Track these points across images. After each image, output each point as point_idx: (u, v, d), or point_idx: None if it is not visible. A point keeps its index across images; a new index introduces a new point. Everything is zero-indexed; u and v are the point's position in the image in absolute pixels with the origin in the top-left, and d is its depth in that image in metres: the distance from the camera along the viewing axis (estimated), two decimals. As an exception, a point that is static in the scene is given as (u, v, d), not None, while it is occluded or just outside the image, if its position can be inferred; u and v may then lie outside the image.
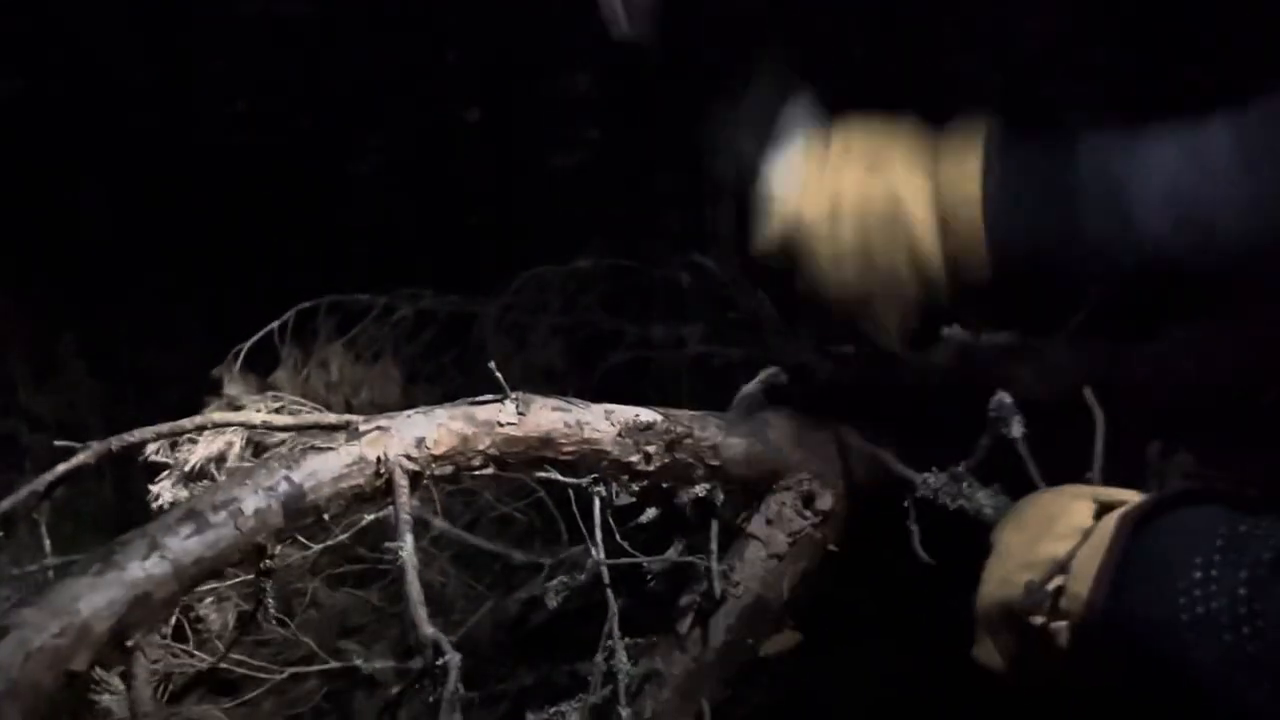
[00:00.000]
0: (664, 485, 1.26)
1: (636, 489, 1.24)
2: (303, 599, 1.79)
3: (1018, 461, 1.13)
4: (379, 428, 1.09)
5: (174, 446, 1.39)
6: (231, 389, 1.87)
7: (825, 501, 1.33)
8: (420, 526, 1.18)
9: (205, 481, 1.39)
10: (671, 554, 1.26)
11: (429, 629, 0.97)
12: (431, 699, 0.94)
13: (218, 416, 1.20)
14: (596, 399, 1.24)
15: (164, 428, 1.15)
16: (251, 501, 1.00)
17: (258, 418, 1.20)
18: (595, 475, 1.21)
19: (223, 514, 0.98)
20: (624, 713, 1.16)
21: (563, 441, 1.18)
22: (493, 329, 2.10)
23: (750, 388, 1.28)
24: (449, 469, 1.12)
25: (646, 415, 1.24)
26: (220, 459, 1.41)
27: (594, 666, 1.18)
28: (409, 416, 1.12)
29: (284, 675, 1.66)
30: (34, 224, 2.62)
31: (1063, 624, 0.87)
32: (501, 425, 1.15)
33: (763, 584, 1.30)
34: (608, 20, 1.18)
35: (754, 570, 1.30)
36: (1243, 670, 0.75)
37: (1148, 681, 0.82)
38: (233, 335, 1.94)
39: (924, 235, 1.06)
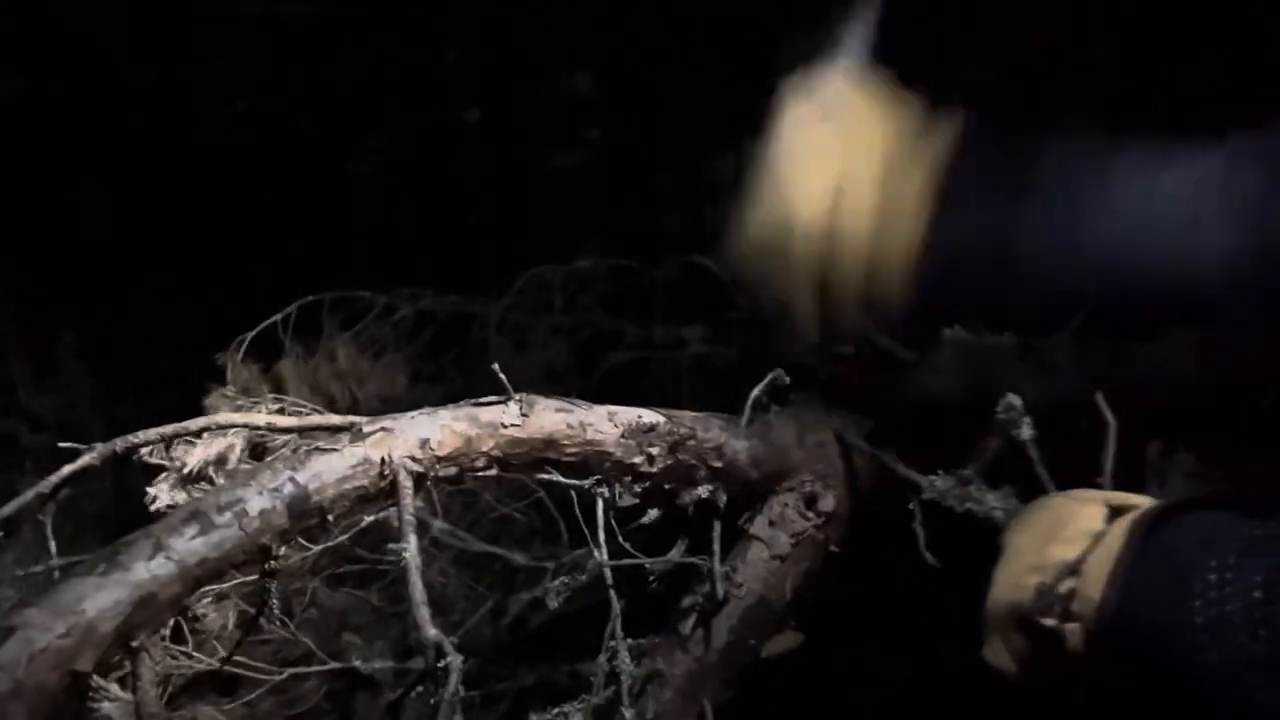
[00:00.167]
0: (667, 486, 1.26)
1: (639, 490, 1.24)
2: (303, 599, 1.79)
3: (1023, 464, 1.13)
4: (383, 429, 1.09)
5: (169, 448, 1.39)
6: (234, 377, 1.86)
7: (828, 503, 1.33)
8: (421, 527, 1.18)
9: (203, 484, 1.39)
10: (674, 555, 1.26)
11: (432, 630, 0.97)
12: (433, 700, 0.94)
13: (222, 418, 1.19)
14: (597, 399, 1.24)
15: (168, 429, 1.15)
16: (256, 502, 1.00)
17: (261, 419, 1.20)
18: (598, 477, 1.21)
19: (227, 515, 0.98)
20: (627, 714, 1.16)
21: (566, 443, 1.18)
22: (493, 329, 2.10)
23: (759, 391, 1.28)
24: (453, 470, 1.12)
25: (649, 416, 1.24)
26: (220, 461, 1.40)
27: (596, 667, 1.18)
28: (413, 418, 1.12)
29: (284, 675, 1.66)
30: (34, 224, 2.62)
31: (1074, 626, 0.87)
32: (505, 426, 1.15)
33: (765, 585, 1.30)
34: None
35: (756, 571, 1.30)
36: (1253, 672, 0.75)
37: (1158, 684, 0.82)
38: (233, 335, 1.94)
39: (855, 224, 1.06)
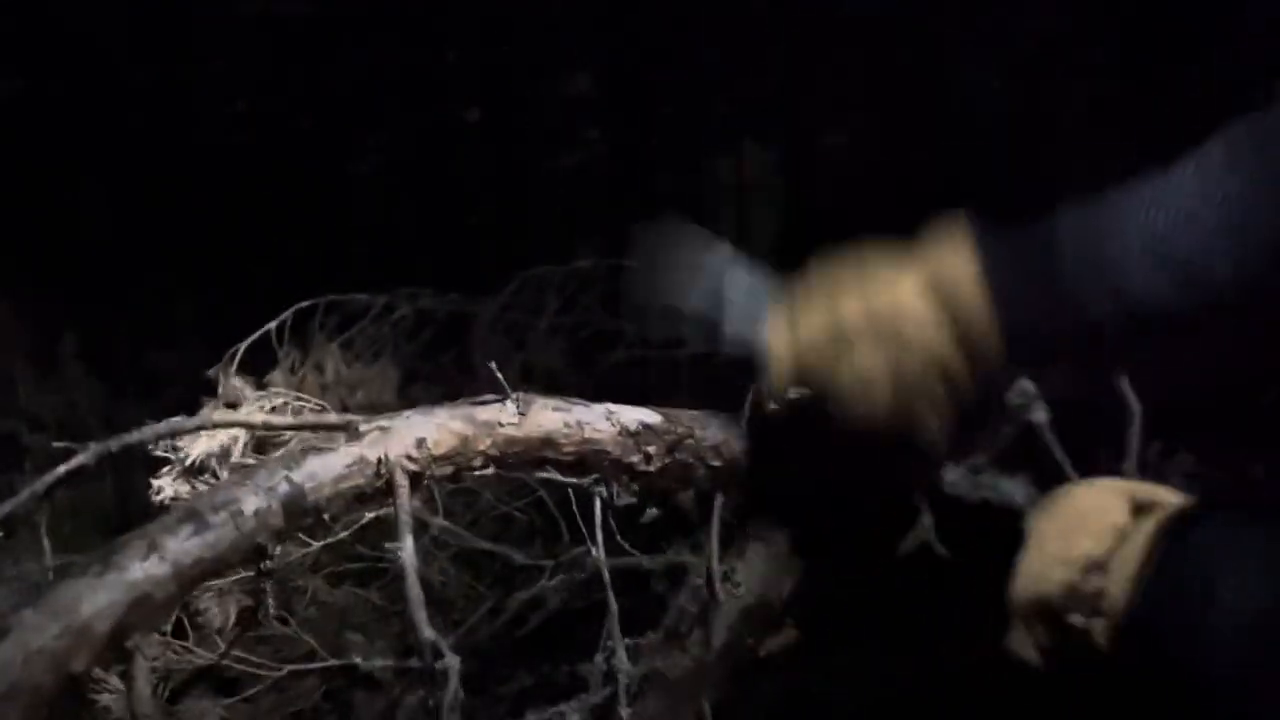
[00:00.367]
0: (665, 485, 1.26)
1: (637, 489, 1.24)
2: (303, 596, 1.79)
3: (1035, 454, 1.12)
4: (380, 428, 1.09)
5: (172, 440, 1.39)
6: (227, 390, 1.86)
7: (826, 501, 1.32)
8: (420, 526, 1.18)
9: (207, 475, 1.39)
10: (672, 554, 1.26)
11: (429, 632, 0.96)
12: (431, 702, 0.94)
13: (218, 416, 1.19)
14: (596, 398, 1.24)
15: (163, 427, 1.14)
16: (251, 502, 1.00)
17: (258, 418, 1.20)
18: (596, 476, 1.20)
19: (223, 514, 0.98)
20: (625, 713, 1.16)
21: (563, 442, 1.18)
22: (492, 329, 2.10)
23: (754, 389, 1.28)
24: (449, 469, 1.12)
25: (647, 415, 1.23)
26: (224, 454, 1.40)
27: (594, 666, 1.18)
28: (409, 417, 1.11)
29: (283, 673, 1.66)
30: (35, 224, 2.62)
31: (1100, 624, 0.87)
32: (502, 426, 1.14)
33: (764, 584, 1.30)
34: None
35: (755, 570, 1.30)
36: (1265, 685, 0.75)
37: (1178, 687, 0.82)
38: (232, 335, 1.94)
39: (934, 332, 1.04)
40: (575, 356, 2.12)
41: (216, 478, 1.30)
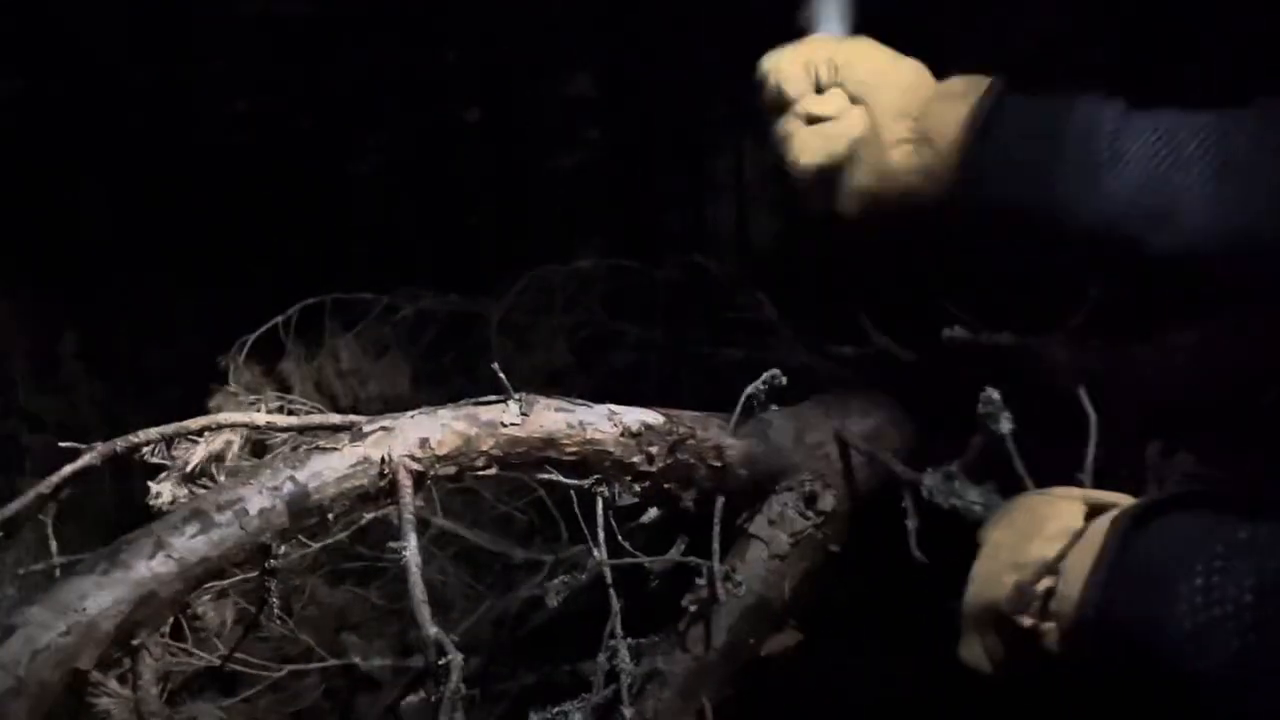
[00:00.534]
0: (666, 486, 1.26)
1: (639, 489, 1.24)
2: (302, 596, 1.79)
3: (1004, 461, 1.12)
4: (383, 428, 1.09)
5: (170, 447, 1.39)
6: (237, 379, 1.86)
7: (827, 502, 1.33)
8: (421, 525, 1.18)
9: (205, 480, 1.39)
10: (673, 554, 1.26)
11: (432, 629, 0.97)
12: (433, 699, 0.94)
13: (222, 417, 1.20)
14: (597, 399, 1.24)
15: (169, 428, 1.15)
16: (256, 501, 1.00)
17: (262, 418, 1.20)
18: (598, 476, 1.21)
19: (228, 513, 0.99)
20: (627, 713, 1.16)
21: (565, 442, 1.18)
22: (495, 329, 2.10)
23: (753, 389, 1.28)
24: (452, 469, 1.12)
25: (649, 416, 1.24)
26: (219, 458, 1.40)
27: (597, 666, 1.18)
28: (412, 417, 1.12)
29: (283, 672, 1.66)
30: (34, 224, 2.62)
31: (1050, 626, 0.87)
32: (505, 426, 1.15)
33: (765, 584, 1.30)
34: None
35: (756, 570, 1.30)
36: (1249, 677, 0.75)
37: (1143, 686, 0.82)
38: (233, 335, 1.94)
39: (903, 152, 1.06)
40: (577, 357, 2.12)
41: (214, 482, 1.30)
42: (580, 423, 1.19)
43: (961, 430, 1.20)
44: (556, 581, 1.29)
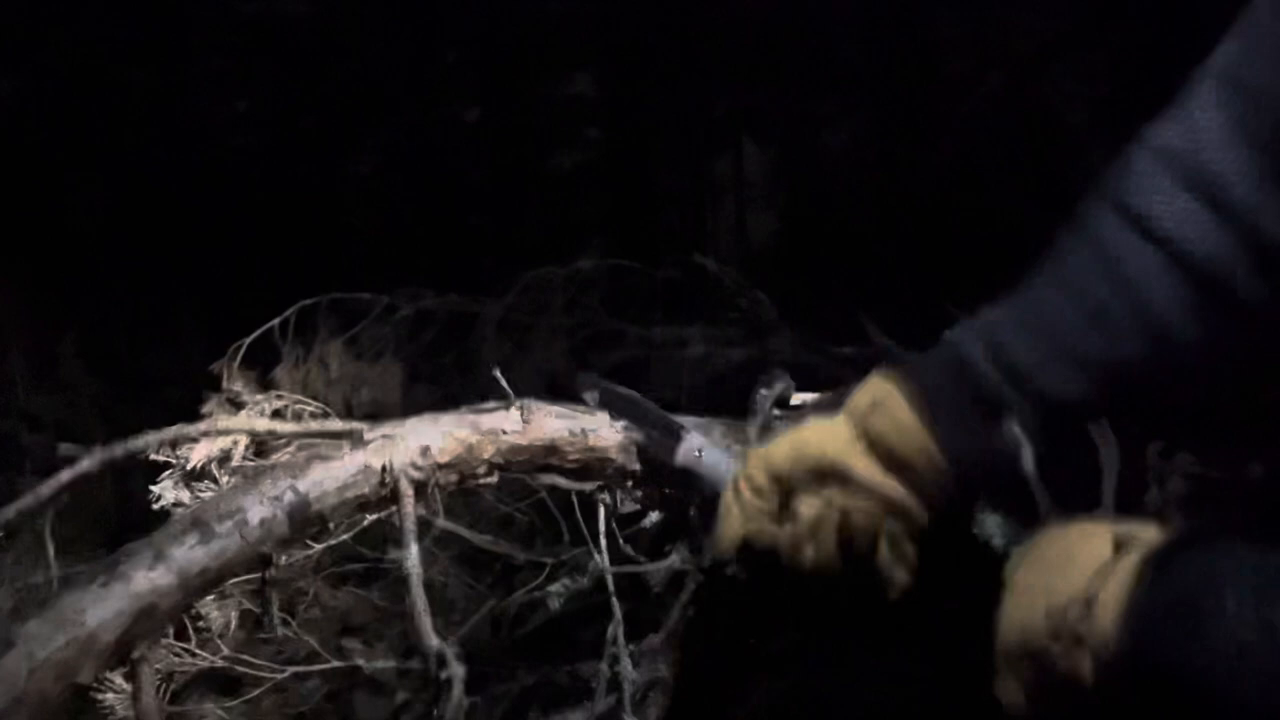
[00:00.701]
0: (667, 491, 1.26)
1: (640, 495, 1.24)
2: (304, 598, 1.78)
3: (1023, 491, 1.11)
4: (384, 435, 1.08)
5: (175, 446, 1.38)
6: (230, 386, 1.85)
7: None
8: (422, 526, 1.17)
9: (207, 481, 1.38)
10: (674, 560, 1.26)
11: (434, 640, 0.96)
12: (436, 712, 0.94)
13: (222, 423, 1.19)
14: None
15: (168, 433, 1.14)
16: (257, 511, 1.00)
17: (262, 424, 1.19)
18: (600, 483, 1.20)
19: (228, 523, 0.98)
20: (629, 720, 1.16)
21: (567, 449, 1.17)
22: (494, 329, 2.10)
23: (762, 395, 1.27)
24: (454, 477, 1.12)
25: (650, 422, 1.24)
26: (223, 459, 1.40)
27: (599, 674, 1.18)
28: (414, 424, 1.11)
29: (285, 674, 1.66)
30: (35, 224, 2.62)
31: (1086, 661, 0.87)
32: (506, 433, 1.14)
33: (765, 587, 1.30)
34: None
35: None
36: (1264, 700, 0.75)
37: (1180, 717, 0.82)
38: (233, 335, 1.93)
39: (878, 475, 1.04)
40: (577, 357, 2.12)
41: (216, 483, 1.30)
42: (582, 429, 1.18)
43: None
44: (558, 585, 1.28)
